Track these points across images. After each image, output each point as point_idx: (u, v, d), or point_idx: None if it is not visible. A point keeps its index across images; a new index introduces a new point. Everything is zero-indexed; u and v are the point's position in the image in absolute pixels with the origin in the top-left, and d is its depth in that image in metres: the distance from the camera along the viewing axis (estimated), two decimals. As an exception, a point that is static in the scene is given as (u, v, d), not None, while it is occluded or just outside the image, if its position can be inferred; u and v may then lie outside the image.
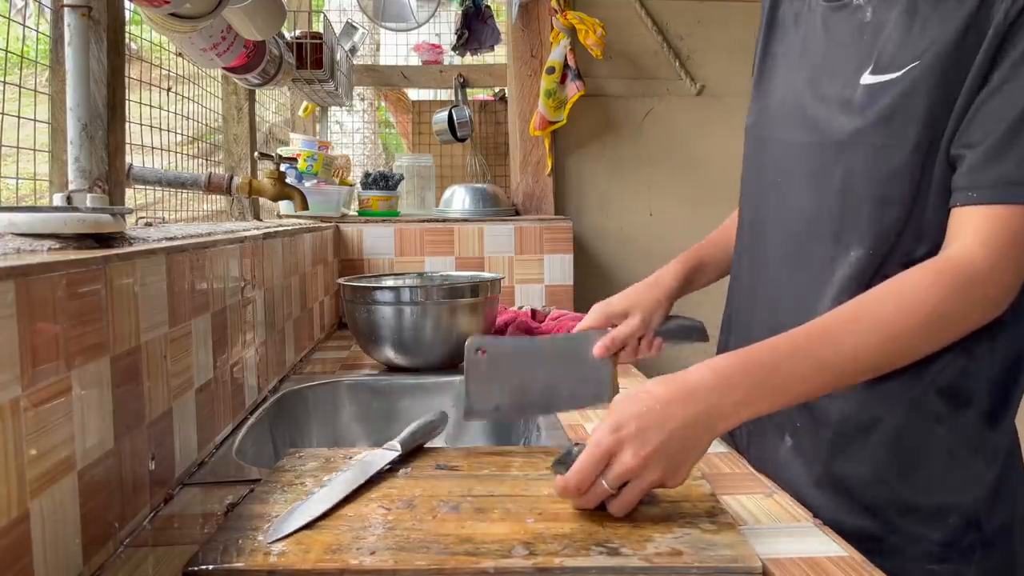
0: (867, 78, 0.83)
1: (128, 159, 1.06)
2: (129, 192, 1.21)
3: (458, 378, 1.39)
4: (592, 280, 2.32)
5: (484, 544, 0.67)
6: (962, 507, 0.82)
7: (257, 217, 1.79)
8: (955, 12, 0.77)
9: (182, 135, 1.60)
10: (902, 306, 0.75)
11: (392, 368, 1.43)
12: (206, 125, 1.71)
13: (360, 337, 1.45)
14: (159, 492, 0.80)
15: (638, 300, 1.01)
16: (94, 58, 0.89)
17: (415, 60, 2.77)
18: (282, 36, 1.65)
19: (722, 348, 1.07)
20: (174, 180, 1.28)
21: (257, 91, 1.76)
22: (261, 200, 1.81)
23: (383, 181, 2.20)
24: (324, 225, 1.85)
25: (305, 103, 2.38)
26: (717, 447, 0.98)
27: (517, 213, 2.29)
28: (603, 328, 0.98)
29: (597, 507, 0.73)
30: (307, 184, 2.04)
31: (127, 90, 1.02)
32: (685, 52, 2.38)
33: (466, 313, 1.41)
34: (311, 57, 1.77)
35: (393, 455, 0.87)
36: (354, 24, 2.27)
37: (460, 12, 2.38)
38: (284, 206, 2.06)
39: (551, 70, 2.21)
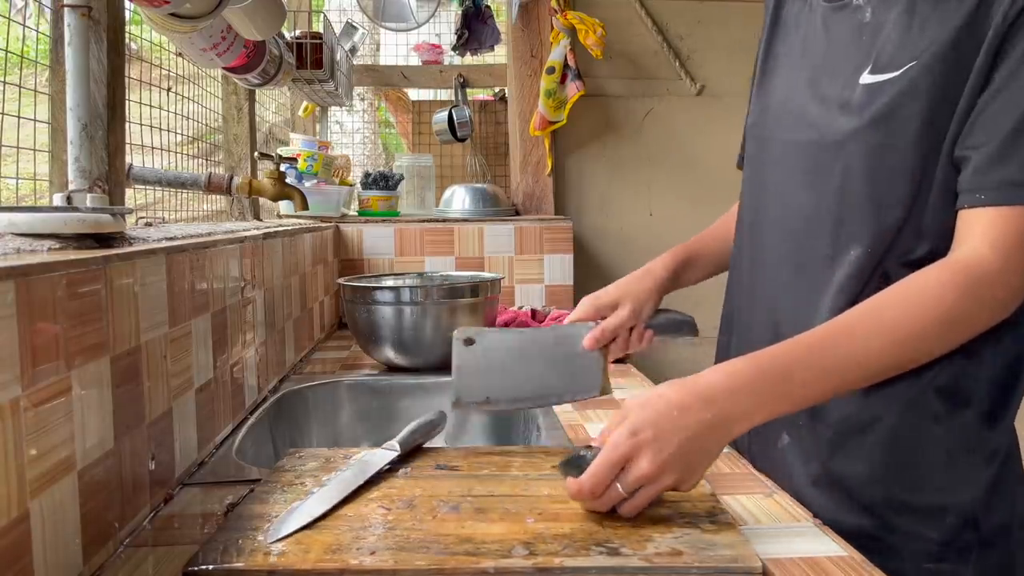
0: (866, 78, 0.83)
1: (128, 159, 1.06)
2: (129, 192, 1.21)
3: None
4: (592, 280, 2.31)
5: (484, 544, 0.67)
6: (960, 507, 0.82)
7: (257, 217, 1.79)
8: (954, 13, 0.77)
9: (182, 135, 1.60)
10: (914, 309, 0.75)
11: (392, 368, 1.43)
12: (206, 125, 1.72)
13: (360, 337, 1.45)
14: (159, 492, 0.80)
15: (628, 291, 1.00)
16: (94, 58, 0.89)
17: (415, 60, 2.77)
18: (282, 36, 1.65)
19: (722, 347, 1.08)
20: (174, 180, 1.28)
21: (257, 91, 1.76)
22: (261, 200, 1.81)
23: (383, 181, 2.20)
24: (324, 225, 1.85)
25: (305, 103, 2.38)
26: (717, 447, 0.98)
27: (517, 213, 2.29)
28: (593, 320, 0.97)
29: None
30: (307, 184, 2.04)
31: (127, 90, 1.02)
32: (685, 52, 2.38)
33: (466, 313, 1.41)
34: (311, 57, 1.77)
35: (392, 455, 0.87)
36: (354, 24, 2.27)
37: (460, 12, 2.38)
38: (284, 206, 2.06)
39: (551, 70, 2.21)
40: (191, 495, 0.84)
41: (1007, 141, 0.74)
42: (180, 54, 1.42)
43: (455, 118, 2.37)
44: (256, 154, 1.71)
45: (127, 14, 1.02)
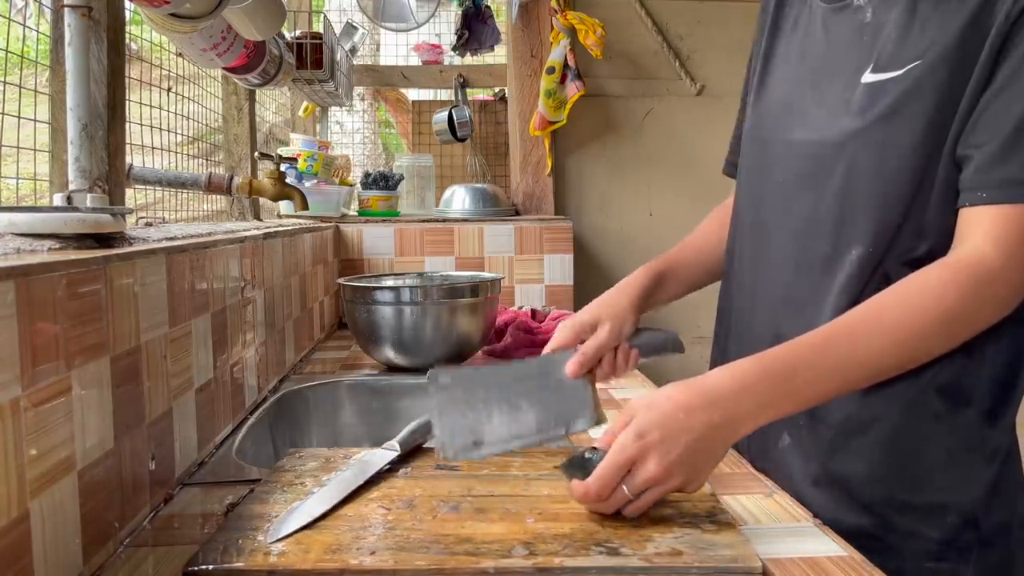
0: (868, 77, 0.83)
1: (128, 159, 1.06)
2: (129, 192, 1.21)
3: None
4: (592, 280, 2.31)
5: (484, 544, 0.67)
6: (960, 506, 0.82)
7: (257, 217, 1.79)
8: (956, 12, 0.77)
9: (182, 135, 1.60)
10: (916, 308, 0.75)
11: (392, 368, 1.43)
12: (206, 125, 1.72)
13: (360, 337, 1.45)
14: (159, 492, 0.80)
15: (604, 310, 0.94)
16: (94, 58, 0.89)
17: (415, 60, 2.77)
18: (282, 36, 1.65)
19: (720, 350, 1.07)
20: (174, 180, 1.28)
21: (257, 91, 1.76)
22: (261, 200, 1.81)
23: (383, 181, 2.20)
24: (324, 225, 1.85)
25: (305, 103, 2.38)
26: (717, 447, 0.98)
27: (517, 213, 2.29)
28: (574, 346, 0.90)
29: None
30: (307, 184, 2.04)
31: (127, 90, 1.02)
32: (685, 52, 2.38)
33: (466, 313, 1.41)
34: (311, 57, 1.77)
35: (392, 455, 0.87)
36: (354, 24, 2.27)
37: (460, 12, 2.38)
38: (284, 206, 2.06)
39: (551, 70, 2.21)
40: (191, 495, 0.84)
41: (1009, 140, 0.74)
42: (180, 54, 1.42)
43: (455, 118, 2.37)
44: (256, 154, 1.72)
45: (127, 14, 1.02)
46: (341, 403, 1.35)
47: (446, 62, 2.67)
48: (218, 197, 1.76)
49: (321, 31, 1.81)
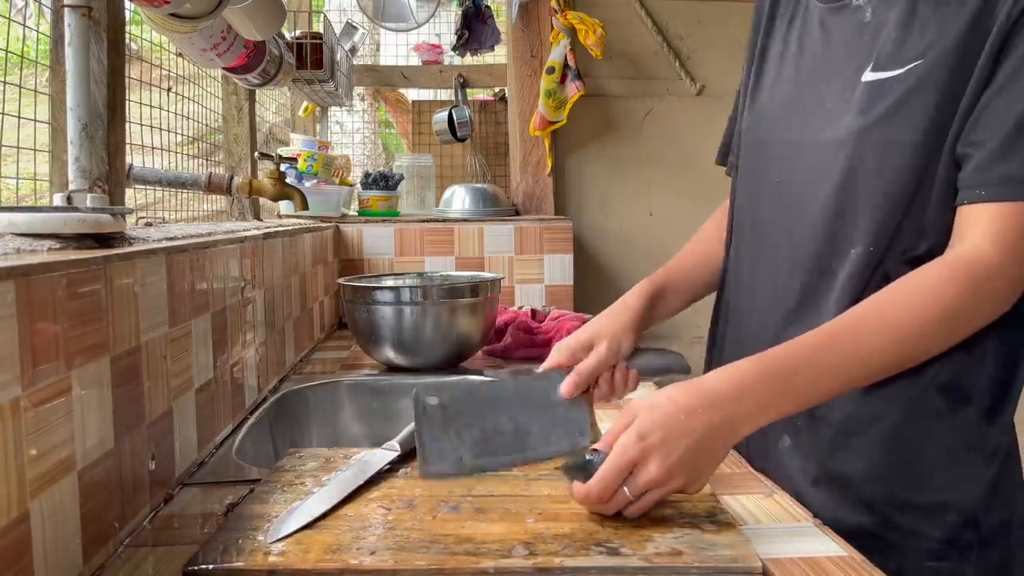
0: (868, 76, 0.83)
1: (128, 159, 1.06)
2: (129, 192, 1.21)
3: (457, 378, 1.39)
4: (592, 280, 2.32)
5: (484, 544, 0.67)
6: (961, 505, 0.82)
7: (257, 217, 1.79)
8: (956, 12, 0.78)
9: (182, 135, 1.60)
10: (915, 306, 0.76)
11: (392, 368, 1.43)
12: (206, 125, 1.71)
13: (360, 337, 1.45)
14: (159, 492, 0.80)
15: (601, 328, 0.91)
16: (94, 58, 0.89)
17: (415, 60, 2.76)
18: (282, 36, 1.65)
19: (717, 350, 1.07)
20: (174, 180, 1.28)
21: (257, 91, 1.76)
22: (261, 200, 1.81)
23: (383, 181, 2.20)
24: (324, 225, 1.85)
25: (305, 103, 2.38)
26: (717, 447, 0.98)
27: (517, 213, 2.29)
28: (570, 365, 0.86)
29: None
30: (307, 184, 2.04)
31: (127, 90, 1.02)
32: (685, 52, 2.38)
33: (466, 313, 1.41)
34: (311, 57, 1.77)
35: (392, 455, 0.87)
36: (354, 24, 2.27)
37: (460, 12, 2.38)
38: (284, 206, 2.06)
39: (551, 70, 2.21)
40: (191, 495, 0.84)
41: (1009, 138, 0.75)
42: (180, 54, 1.42)
43: (455, 118, 2.37)
44: (256, 154, 1.72)
45: (127, 14, 1.02)
46: (341, 403, 1.35)
47: (446, 62, 2.67)
48: (218, 197, 1.76)
49: (321, 31, 1.81)
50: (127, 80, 1.02)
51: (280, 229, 1.39)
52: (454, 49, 2.42)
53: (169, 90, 1.49)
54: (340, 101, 2.19)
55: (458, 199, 2.20)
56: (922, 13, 0.80)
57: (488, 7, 2.39)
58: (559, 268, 2.07)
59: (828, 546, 0.71)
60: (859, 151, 0.83)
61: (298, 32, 1.80)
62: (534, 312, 1.73)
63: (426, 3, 2.20)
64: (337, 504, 0.75)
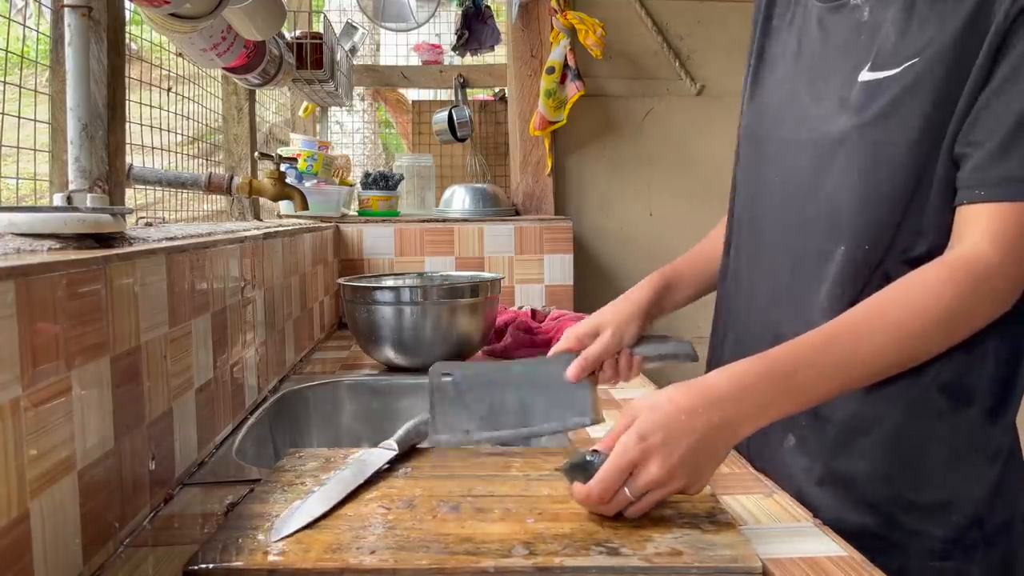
0: (865, 75, 0.83)
1: (128, 159, 1.06)
2: (129, 192, 1.21)
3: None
4: (592, 280, 2.32)
5: (484, 544, 0.67)
6: (964, 504, 0.82)
7: (257, 217, 1.79)
8: (954, 11, 0.78)
9: (182, 135, 1.60)
10: (916, 306, 0.76)
11: (392, 368, 1.43)
12: (206, 125, 1.71)
13: (360, 337, 1.45)
14: (159, 492, 0.80)
15: (607, 317, 0.96)
16: (94, 58, 0.89)
17: (415, 60, 2.76)
18: (282, 36, 1.65)
19: (717, 347, 1.07)
20: (174, 180, 1.28)
21: (257, 91, 1.76)
22: (261, 200, 1.81)
23: (383, 181, 2.20)
24: (324, 225, 1.85)
25: (305, 103, 2.38)
26: (717, 447, 0.98)
27: (517, 213, 2.29)
28: (576, 350, 0.91)
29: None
30: (307, 184, 2.04)
31: (127, 90, 1.02)
32: (685, 52, 2.38)
33: (466, 313, 1.41)
34: (311, 57, 1.77)
35: (390, 454, 0.87)
36: (354, 24, 2.27)
37: (460, 12, 2.38)
38: (284, 206, 2.06)
39: (551, 70, 2.21)
40: (191, 495, 0.84)
41: (1008, 138, 0.75)
42: (180, 54, 1.42)
43: (455, 118, 2.37)
44: (256, 154, 1.72)
45: (127, 14, 1.02)
46: (341, 403, 1.35)
47: (446, 62, 2.67)
48: (218, 197, 1.76)
49: (321, 31, 1.81)
50: (127, 80, 1.02)
51: (280, 229, 1.39)
52: (454, 49, 2.42)
53: (169, 90, 1.49)
54: (340, 101, 2.19)
55: (458, 199, 2.20)
56: (920, 11, 0.80)
57: (488, 7, 2.39)
58: (559, 268, 2.07)
59: (828, 546, 0.71)
60: (855, 150, 0.83)
61: (298, 32, 1.80)
62: (534, 312, 1.73)
63: (426, 3, 2.20)
64: (337, 504, 0.75)
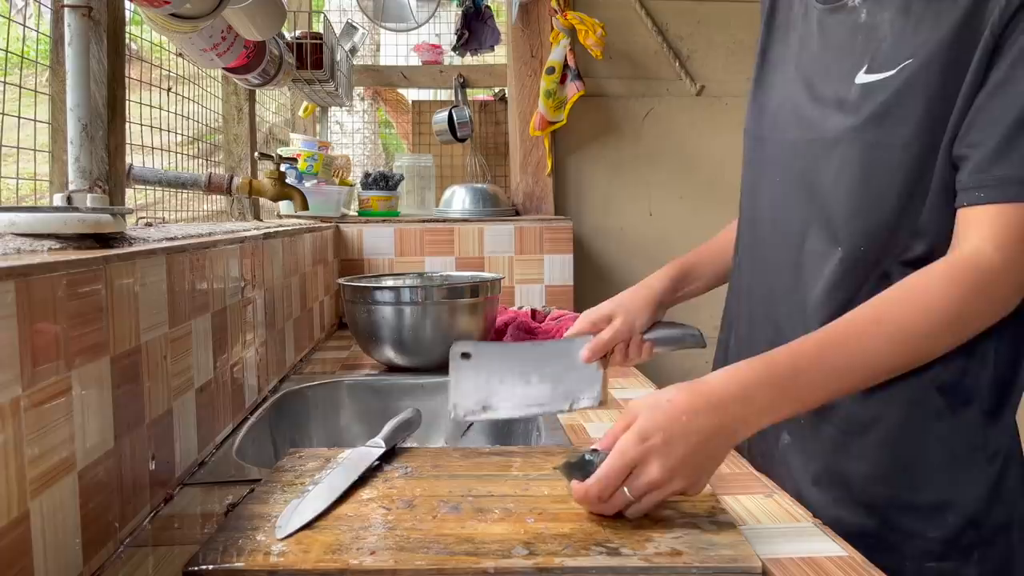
0: (862, 77, 0.83)
1: (128, 159, 1.06)
2: (129, 192, 1.21)
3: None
4: (592, 280, 2.31)
5: (484, 544, 0.67)
6: (962, 505, 0.82)
7: (257, 217, 1.79)
8: (949, 12, 0.77)
9: (182, 135, 1.60)
10: (919, 308, 0.75)
11: (392, 368, 1.43)
12: (206, 125, 1.71)
13: (360, 337, 1.45)
14: (159, 492, 0.80)
15: (622, 304, 1.00)
16: (94, 58, 0.89)
17: (415, 60, 2.76)
18: (282, 36, 1.65)
19: (722, 347, 1.08)
20: (174, 180, 1.28)
21: (257, 91, 1.76)
22: (261, 200, 1.81)
23: (383, 181, 2.20)
24: (324, 225, 1.85)
25: (305, 103, 2.38)
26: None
27: (517, 213, 2.29)
28: (590, 333, 0.97)
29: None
30: (307, 184, 2.04)
31: (127, 90, 1.02)
32: (685, 52, 2.38)
33: (466, 313, 1.41)
34: (311, 57, 1.77)
35: (379, 451, 0.87)
36: (354, 24, 2.27)
37: (460, 12, 2.38)
38: (284, 206, 2.06)
39: (551, 70, 2.21)
40: (191, 495, 0.84)
41: (1006, 138, 0.74)
42: (180, 54, 1.42)
43: (455, 118, 2.37)
44: (256, 154, 1.71)
45: (127, 14, 1.02)
46: (341, 403, 1.35)
47: (446, 62, 2.67)
48: (218, 197, 1.76)
49: (321, 31, 1.81)
50: (127, 80, 1.02)
51: (280, 229, 1.39)
52: (454, 49, 2.42)
53: (169, 90, 1.49)
54: (340, 101, 2.19)
55: (458, 199, 2.20)
56: (915, 12, 0.80)
57: (488, 7, 2.39)
58: (559, 268, 2.07)
59: (828, 546, 0.71)
60: (852, 151, 0.83)
61: (298, 32, 1.80)
62: (534, 312, 1.73)
63: (426, 3, 2.20)
64: (334, 503, 0.75)
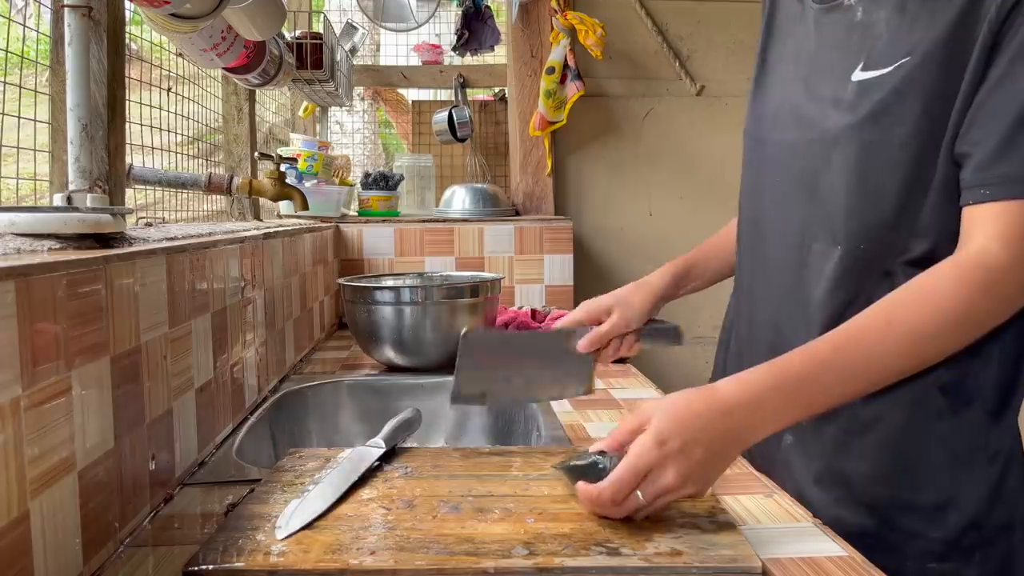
0: (858, 75, 0.83)
1: (128, 159, 1.06)
2: (129, 192, 1.21)
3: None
4: (592, 280, 2.31)
5: (484, 544, 0.67)
6: (963, 505, 0.82)
7: (257, 217, 1.79)
8: (944, 10, 0.77)
9: (182, 135, 1.60)
10: (929, 308, 0.75)
11: (392, 368, 1.43)
12: (206, 125, 1.71)
13: (360, 337, 1.45)
14: (159, 492, 0.80)
15: (622, 299, 1.03)
16: (94, 58, 0.89)
17: (415, 60, 2.76)
18: (282, 36, 1.65)
19: (723, 347, 1.08)
20: (174, 180, 1.28)
21: (257, 91, 1.76)
22: (261, 200, 1.81)
23: (383, 181, 2.20)
24: (324, 225, 1.85)
25: (305, 103, 2.38)
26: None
27: (517, 213, 2.29)
28: (587, 324, 1.01)
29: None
30: (307, 184, 2.04)
31: (127, 90, 1.02)
32: (685, 52, 2.38)
33: (466, 313, 1.40)
34: (311, 57, 1.77)
35: (379, 451, 0.87)
36: (354, 24, 2.27)
37: (460, 12, 2.38)
38: (284, 206, 2.06)
39: (551, 70, 2.21)
40: (191, 495, 0.84)
41: (1007, 136, 0.74)
42: (180, 54, 1.42)
43: (455, 118, 2.37)
44: (256, 154, 1.71)
45: (127, 14, 1.02)
46: (341, 403, 1.35)
47: (446, 62, 2.67)
48: (218, 197, 1.76)
49: (321, 31, 1.81)
50: (127, 80, 1.02)
51: (280, 229, 1.39)
52: (454, 49, 2.42)
53: (169, 90, 1.49)
54: (340, 101, 2.19)
55: (458, 199, 2.20)
56: (912, 10, 0.80)
57: (488, 7, 2.39)
58: (559, 268, 2.07)
59: (828, 546, 0.71)
60: (849, 150, 0.83)
61: (298, 32, 1.80)
62: (534, 312, 1.73)
63: (426, 3, 2.20)
64: (334, 503, 0.75)
